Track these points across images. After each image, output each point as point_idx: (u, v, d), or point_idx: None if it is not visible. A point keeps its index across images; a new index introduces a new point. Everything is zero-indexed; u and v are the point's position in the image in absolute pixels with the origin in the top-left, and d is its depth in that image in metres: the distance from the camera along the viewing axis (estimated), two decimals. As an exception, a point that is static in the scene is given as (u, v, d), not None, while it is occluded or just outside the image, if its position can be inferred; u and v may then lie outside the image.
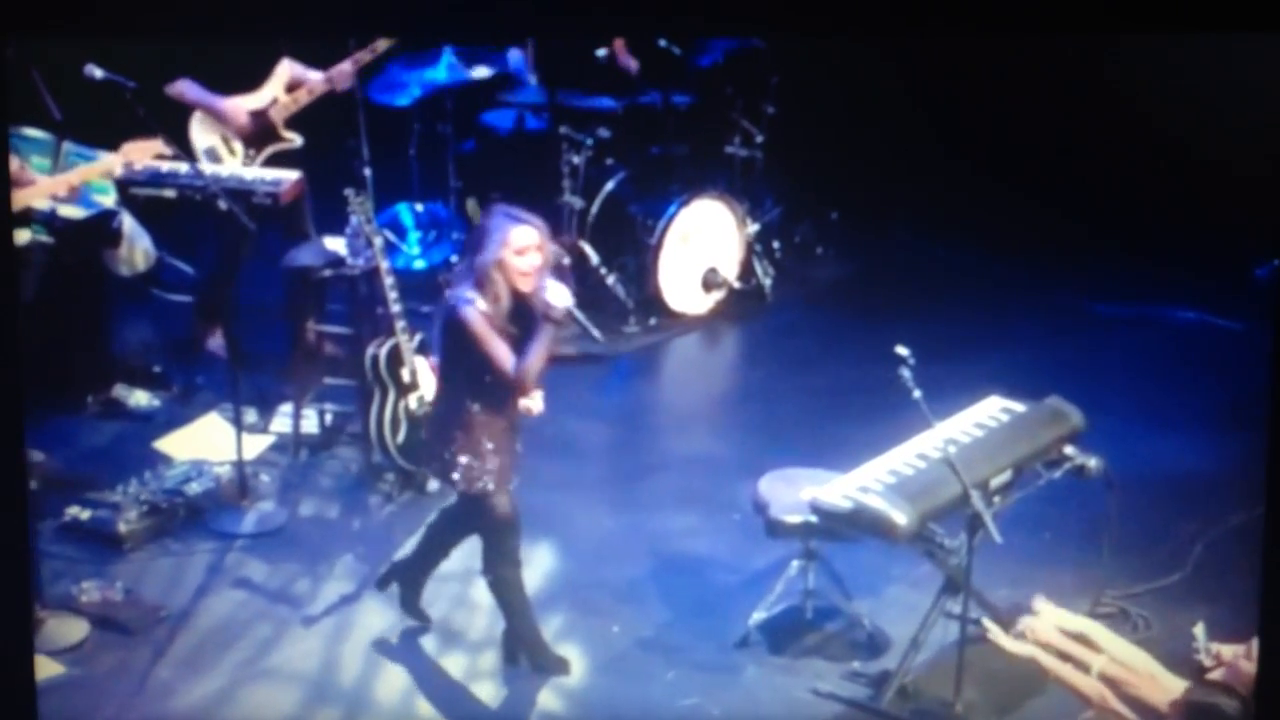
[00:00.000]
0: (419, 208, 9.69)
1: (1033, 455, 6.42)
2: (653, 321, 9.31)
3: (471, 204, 9.41)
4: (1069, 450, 6.45)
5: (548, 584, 6.93)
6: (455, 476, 6.16)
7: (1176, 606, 6.64)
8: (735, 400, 8.80)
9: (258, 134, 8.53)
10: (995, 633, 5.76)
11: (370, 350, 7.40)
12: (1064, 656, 5.61)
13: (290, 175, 8.22)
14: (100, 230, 7.90)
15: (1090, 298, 9.48)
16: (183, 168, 7.80)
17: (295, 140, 8.59)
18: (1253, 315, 8.90)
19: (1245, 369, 8.09)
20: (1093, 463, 6.42)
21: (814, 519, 6.28)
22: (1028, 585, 6.30)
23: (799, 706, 6.27)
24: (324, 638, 6.61)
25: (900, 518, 5.95)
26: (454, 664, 6.49)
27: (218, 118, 8.50)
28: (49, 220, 7.66)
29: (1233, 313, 9.18)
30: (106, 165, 7.67)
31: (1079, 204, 9.86)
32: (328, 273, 7.85)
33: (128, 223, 8.05)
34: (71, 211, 7.74)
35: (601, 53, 9.67)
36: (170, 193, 8.02)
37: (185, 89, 8.44)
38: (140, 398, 8.14)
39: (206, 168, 8.03)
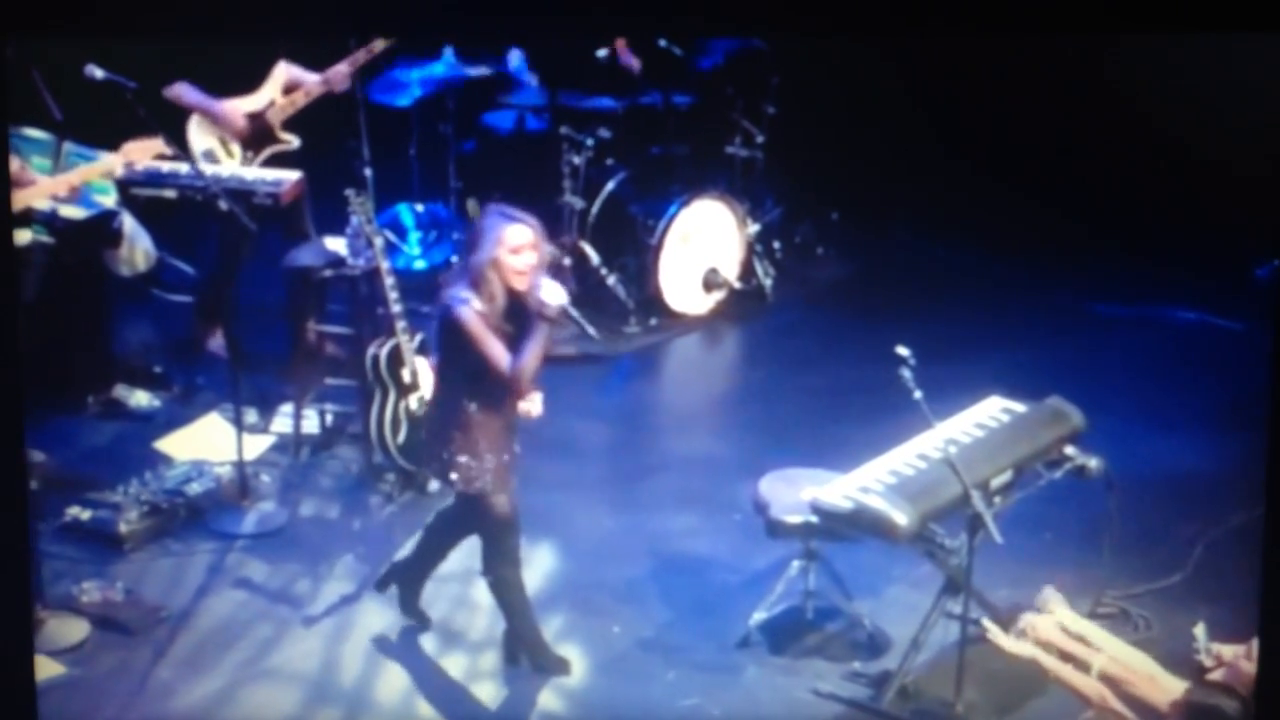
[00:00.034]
0: (419, 208, 9.70)
1: (1033, 455, 6.42)
2: (653, 322, 9.31)
3: (472, 204, 9.36)
4: (1069, 450, 6.45)
5: (548, 584, 6.93)
6: (453, 476, 6.16)
7: (1177, 607, 6.64)
8: (736, 400, 8.80)
9: (255, 136, 8.53)
10: (994, 633, 5.76)
11: (371, 350, 7.41)
12: (1064, 656, 5.61)
13: (291, 175, 8.23)
14: (101, 230, 7.90)
15: (1090, 298, 9.49)
16: (183, 168, 7.80)
17: (293, 142, 8.60)
18: (1253, 315, 8.90)
19: (1245, 369, 8.09)
20: (1093, 463, 6.42)
21: (814, 519, 6.28)
22: (1028, 585, 6.30)
23: (799, 707, 6.27)
24: (324, 638, 6.61)
25: (901, 518, 5.95)
26: (454, 664, 6.49)
27: (215, 120, 8.50)
28: (50, 220, 7.67)
29: (1233, 313, 9.18)
30: (107, 165, 7.67)
31: (1079, 204, 9.86)
32: (328, 273, 7.85)
33: (128, 223, 8.05)
34: (72, 212, 7.74)
35: (602, 53, 9.67)
36: (171, 193, 8.03)
37: (182, 92, 8.44)
38: (141, 398, 8.14)
39: (207, 168, 8.03)
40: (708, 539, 7.25)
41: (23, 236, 7.52)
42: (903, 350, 5.94)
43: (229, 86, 8.48)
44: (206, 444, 7.77)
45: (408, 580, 6.62)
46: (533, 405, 6.20)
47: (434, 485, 7.39)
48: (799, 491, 6.37)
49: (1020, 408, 6.60)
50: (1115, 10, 5.36)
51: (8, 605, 5.31)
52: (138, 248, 8.14)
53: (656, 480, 7.76)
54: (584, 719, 6.28)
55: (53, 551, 6.94)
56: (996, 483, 6.19)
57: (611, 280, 9.29)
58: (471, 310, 5.98)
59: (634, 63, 9.74)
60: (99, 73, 7.33)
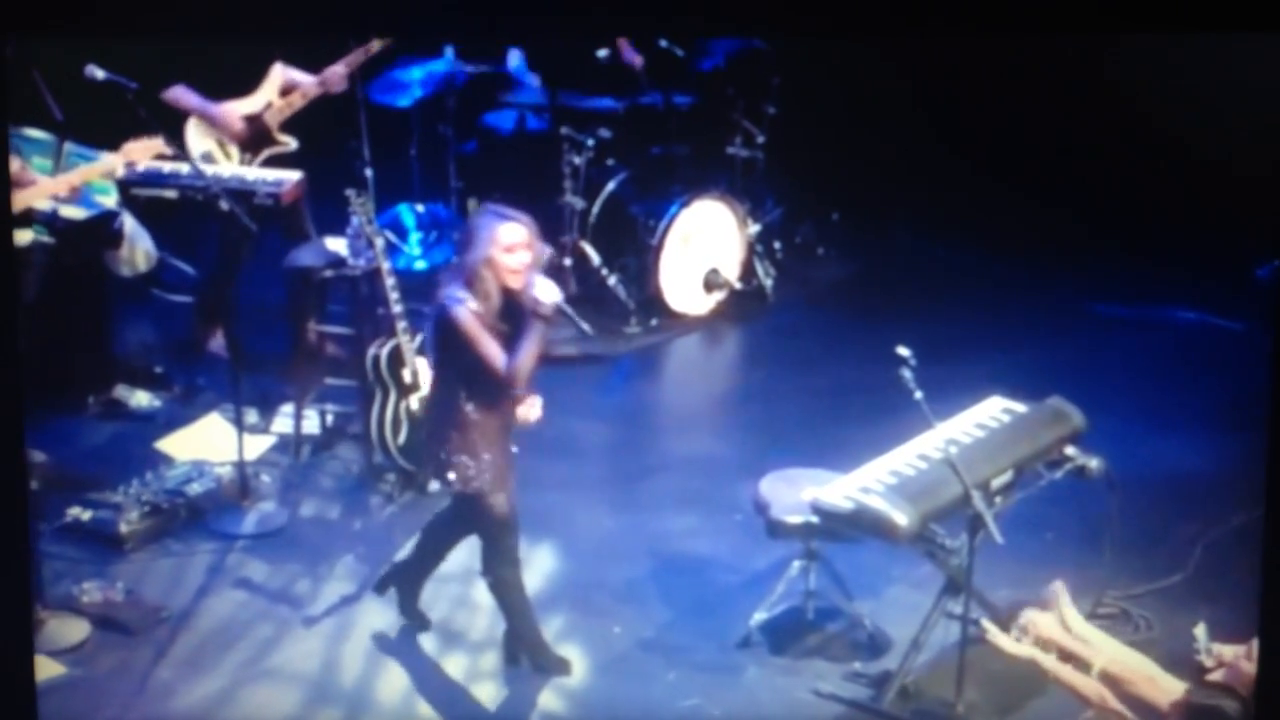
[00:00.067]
0: (420, 208, 9.69)
1: (1034, 456, 6.42)
2: (654, 322, 9.30)
3: (473, 204, 9.41)
4: (1070, 451, 6.45)
5: (548, 584, 6.93)
6: (450, 476, 6.16)
7: (1177, 607, 6.64)
8: (736, 401, 8.80)
9: (253, 138, 8.53)
10: (994, 633, 5.75)
11: (371, 351, 7.41)
12: (1064, 657, 5.61)
13: (291, 176, 8.23)
14: (101, 231, 7.90)
15: (1090, 298, 9.48)
16: (184, 168, 7.81)
17: (290, 144, 8.60)
18: (1253, 315, 8.90)
19: (1245, 369, 8.09)
20: (1094, 463, 6.41)
21: (815, 519, 6.28)
22: (1028, 585, 6.30)
23: (800, 707, 6.27)
24: (325, 638, 6.61)
25: (901, 518, 5.95)
26: (455, 664, 6.49)
27: (213, 123, 8.50)
28: (50, 221, 7.66)
29: (1233, 313, 9.18)
30: (108, 166, 7.67)
31: (1079, 204, 9.86)
32: (329, 273, 7.85)
33: (129, 223, 8.05)
34: (73, 212, 7.74)
35: (603, 53, 9.67)
36: (171, 193, 8.04)
37: (180, 95, 8.44)
38: (141, 398, 8.14)
39: (207, 168, 8.03)
40: (708, 539, 7.25)
41: (23, 237, 7.52)
42: (903, 350, 5.94)
43: (225, 89, 8.48)
44: (207, 444, 7.77)
45: (407, 582, 6.61)
46: (532, 410, 6.20)
47: (434, 486, 7.38)
48: (799, 492, 6.37)
49: (1021, 408, 6.60)
50: (1115, 10, 5.36)
51: (8, 605, 5.31)
52: (138, 248, 8.14)
53: (657, 480, 7.76)
54: (584, 719, 6.29)
55: (53, 552, 6.94)
56: (997, 483, 6.19)
57: (612, 280, 9.29)
58: (466, 309, 5.98)
59: (636, 60, 9.74)
60: (99, 73, 7.34)
